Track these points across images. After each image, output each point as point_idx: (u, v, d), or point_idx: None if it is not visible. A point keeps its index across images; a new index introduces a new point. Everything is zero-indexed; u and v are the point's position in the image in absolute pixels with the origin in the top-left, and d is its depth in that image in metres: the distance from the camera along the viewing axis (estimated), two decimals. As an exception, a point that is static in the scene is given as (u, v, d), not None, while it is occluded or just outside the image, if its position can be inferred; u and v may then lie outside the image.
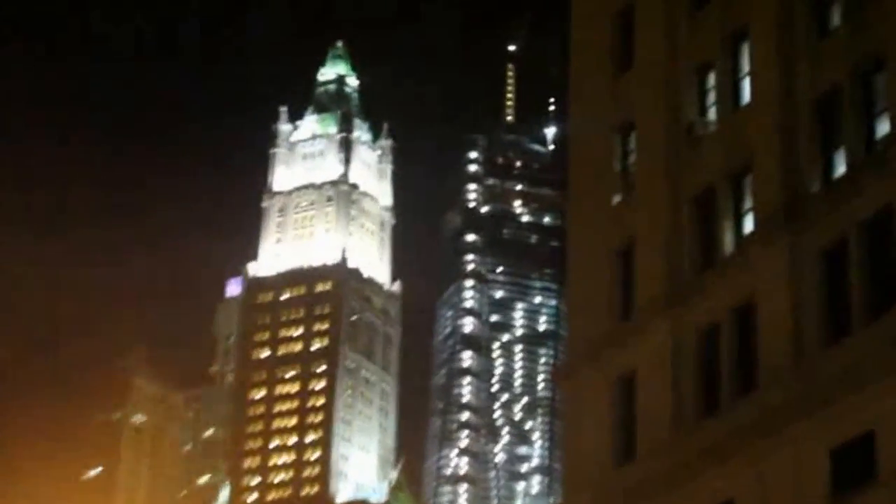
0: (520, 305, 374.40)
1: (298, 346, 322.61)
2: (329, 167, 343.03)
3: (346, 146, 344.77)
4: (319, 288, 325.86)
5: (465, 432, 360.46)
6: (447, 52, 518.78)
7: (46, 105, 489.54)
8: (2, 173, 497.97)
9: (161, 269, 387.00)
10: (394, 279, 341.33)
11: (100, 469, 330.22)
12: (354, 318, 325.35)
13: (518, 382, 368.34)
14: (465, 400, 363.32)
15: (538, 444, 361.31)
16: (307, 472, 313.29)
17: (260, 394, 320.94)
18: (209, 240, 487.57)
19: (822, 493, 38.36)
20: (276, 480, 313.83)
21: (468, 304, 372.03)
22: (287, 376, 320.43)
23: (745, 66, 45.06)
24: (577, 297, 51.80)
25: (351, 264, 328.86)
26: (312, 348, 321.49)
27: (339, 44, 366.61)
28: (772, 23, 43.65)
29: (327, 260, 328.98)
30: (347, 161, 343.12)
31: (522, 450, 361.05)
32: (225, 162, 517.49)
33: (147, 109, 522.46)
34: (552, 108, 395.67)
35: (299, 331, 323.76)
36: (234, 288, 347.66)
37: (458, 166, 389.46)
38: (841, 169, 40.79)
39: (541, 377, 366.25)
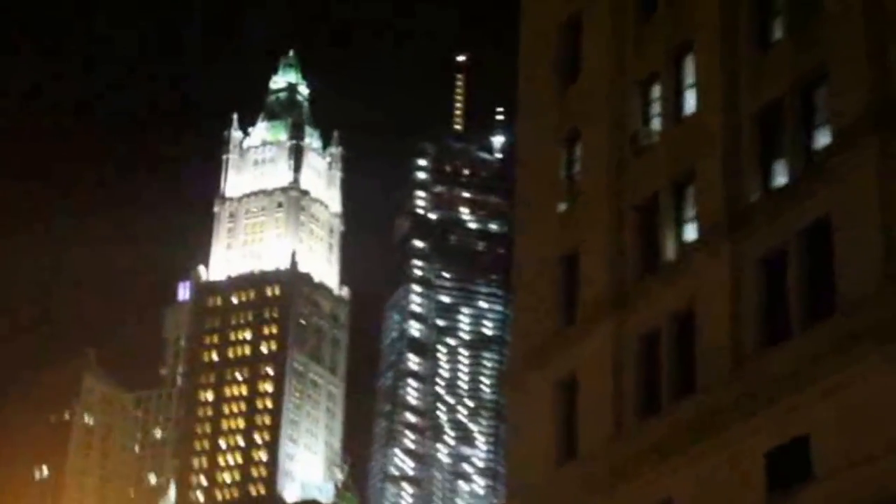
0: (466, 310, 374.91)
1: (247, 350, 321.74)
2: (280, 174, 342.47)
3: (297, 153, 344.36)
4: (269, 292, 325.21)
5: (411, 434, 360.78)
6: (398, 62, 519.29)
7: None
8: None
9: (112, 272, 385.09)
10: (342, 284, 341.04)
11: (46, 471, 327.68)
12: (303, 321, 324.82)
13: (463, 386, 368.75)
14: (410, 402, 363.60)
15: (483, 446, 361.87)
16: (255, 473, 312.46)
17: (209, 395, 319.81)
18: (160, 244, 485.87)
19: (758, 493, 38.64)
20: (225, 480, 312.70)
21: (415, 308, 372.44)
22: (236, 378, 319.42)
23: (689, 78, 45.37)
24: (522, 302, 51.98)
25: (300, 269, 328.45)
26: (261, 351, 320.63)
27: (291, 53, 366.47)
28: (715, 36, 43.95)
29: (277, 265, 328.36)
30: (298, 168, 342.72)
31: (467, 451, 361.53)
32: (177, 167, 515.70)
33: (100, 114, 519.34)
34: (500, 117, 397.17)
35: (248, 334, 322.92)
36: (184, 291, 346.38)
37: (406, 173, 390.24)
38: (782, 179, 41.08)
39: (486, 381, 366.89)
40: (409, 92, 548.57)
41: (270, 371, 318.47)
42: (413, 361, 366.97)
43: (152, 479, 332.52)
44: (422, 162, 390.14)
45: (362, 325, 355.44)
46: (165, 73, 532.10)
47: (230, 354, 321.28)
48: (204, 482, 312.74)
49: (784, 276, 39.84)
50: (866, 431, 35.87)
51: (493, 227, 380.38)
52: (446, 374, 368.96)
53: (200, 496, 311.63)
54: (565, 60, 51.09)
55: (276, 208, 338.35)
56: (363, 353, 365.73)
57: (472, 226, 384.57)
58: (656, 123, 46.64)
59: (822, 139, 40.06)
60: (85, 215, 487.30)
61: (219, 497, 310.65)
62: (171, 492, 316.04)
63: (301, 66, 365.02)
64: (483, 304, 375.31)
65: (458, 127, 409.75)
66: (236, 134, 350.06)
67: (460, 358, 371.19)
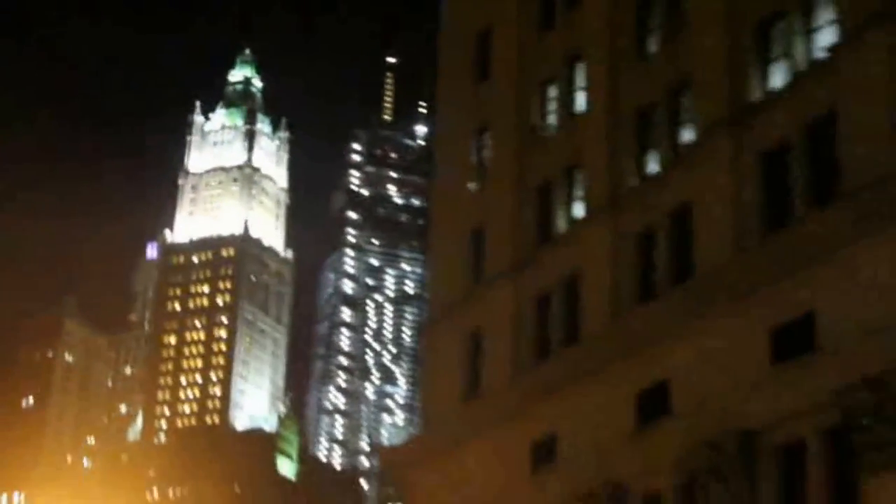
0: (391, 271, 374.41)
1: (205, 301, 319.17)
2: (235, 153, 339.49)
3: (251, 137, 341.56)
4: (224, 253, 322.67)
5: (343, 374, 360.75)
6: (338, 61, 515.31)
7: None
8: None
9: (92, 232, 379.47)
10: (287, 247, 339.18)
11: (32, 401, 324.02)
12: (253, 278, 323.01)
13: (388, 335, 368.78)
14: (343, 347, 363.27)
15: (403, 385, 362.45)
16: (210, 405, 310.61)
17: (172, 339, 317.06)
18: (133, 211, 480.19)
19: (628, 427, 39.34)
20: (184, 411, 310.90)
21: (348, 269, 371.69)
22: (195, 325, 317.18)
23: (580, 81, 45.72)
24: (437, 266, 52.22)
25: (252, 234, 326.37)
26: (217, 303, 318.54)
27: (248, 51, 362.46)
28: (602, 48, 44.33)
29: (232, 230, 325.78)
30: (251, 149, 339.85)
31: (389, 389, 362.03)
32: (149, 146, 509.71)
33: (88, 103, 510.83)
34: (423, 110, 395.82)
35: (206, 288, 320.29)
36: (152, 250, 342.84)
37: (343, 155, 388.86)
38: (654, 167, 41.60)
39: (407, 331, 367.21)
40: (347, 87, 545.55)
41: (225, 320, 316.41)
42: (346, 314, 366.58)
43: (123, 409, 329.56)
44: (356, 146, 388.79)
45: (303, 282, 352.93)
46: (139, 65, 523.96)
47: (191, 305, 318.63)
48: (167, 412, 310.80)
49: (654, 248, 40.40)
50: (718, 374, 36.56)
51: (415, 202, 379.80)
52: (374, 325, 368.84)
53: (164, 424, 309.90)
54: (478, 63, 51.23)
55: (231, 182, 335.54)
56: (304, 305, 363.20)
57: (398, 201, 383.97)
58: (552, 118, 46.95)
59: (687, 135, 40.63)
60: (74, 188, 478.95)
61: (179, 425, 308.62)
62: (139, 420, 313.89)
63: (256, 62, 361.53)
64: (406, 267, 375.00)
65: (387, 117, 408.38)
66: (199, 119, 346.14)
67: (385, 311, 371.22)
